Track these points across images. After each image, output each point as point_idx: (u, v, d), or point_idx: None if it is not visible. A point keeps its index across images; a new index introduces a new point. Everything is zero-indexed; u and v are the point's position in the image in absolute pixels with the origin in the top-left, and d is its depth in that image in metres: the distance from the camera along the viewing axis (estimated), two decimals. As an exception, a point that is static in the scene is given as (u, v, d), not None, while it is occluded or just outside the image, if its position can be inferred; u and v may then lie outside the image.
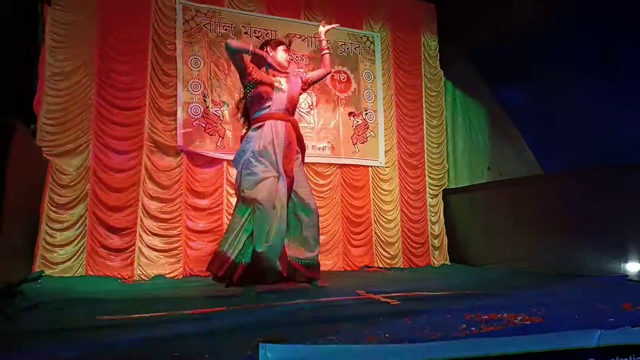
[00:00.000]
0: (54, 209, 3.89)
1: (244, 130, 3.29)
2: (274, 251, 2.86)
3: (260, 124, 3.05)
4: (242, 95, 3.27)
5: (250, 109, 3.14)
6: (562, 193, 4.10)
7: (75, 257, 3.88)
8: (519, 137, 5.71)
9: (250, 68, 3.04)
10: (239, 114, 3.34)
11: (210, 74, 4.53)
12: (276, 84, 3.11)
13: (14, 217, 2.55)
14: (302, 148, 3.25)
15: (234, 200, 4.48)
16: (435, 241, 5.34)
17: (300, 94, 3.30)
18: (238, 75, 3.17)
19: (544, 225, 4.22)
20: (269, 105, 3.06)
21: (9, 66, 2.35)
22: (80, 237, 3.93)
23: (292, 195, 3.09)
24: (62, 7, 4.07)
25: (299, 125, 3.32)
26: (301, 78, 3.31)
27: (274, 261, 2.87)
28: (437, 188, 5.49)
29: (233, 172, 4.48)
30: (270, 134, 3.01)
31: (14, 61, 2.40)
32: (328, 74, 3.55)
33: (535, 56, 4.94)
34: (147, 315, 2.08)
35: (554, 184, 4.26)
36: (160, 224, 4.18)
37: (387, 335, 1.60)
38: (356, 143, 5.10)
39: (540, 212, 4.28)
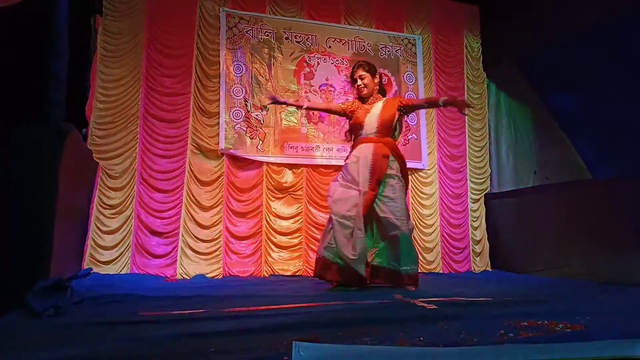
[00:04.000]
0: (102, 210, 4.06)
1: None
2: (359, 260, 3.11)
3: (353, 147, 3.48)
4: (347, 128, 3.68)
5: (351, 135, 3.57)
6: (614, 200, 3.91)
7: (121, 256, 4.04)
8: (567, 141, 5.48)
9: (347, 109, 3.54)
10: (347, 139, 3.70)
11: (251, 79, 4.63)
12: (368, 113, 3.42)
13: (66, 217, 2.68)
14: (403, 168, 3.42)
15: (273, 203, 4.57)
16: (477, 247, 5.22)
17: (395, 115, 3.42)
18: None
19: (593, 232, 4.04)
20: (361, 133, 3.42)
21: (67, 76, 2.49)
22: (125, 238, 4.08)
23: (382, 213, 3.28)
24: (113, 17, 4.27)
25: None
26: (400, 101, 3.51)
27: (361, 268, 3.13)
28: (479, 192, 5.37)
29: (273, 175, 4.56)
30: (357, 155, 3.34)
31: (70, 70, 2.54)
32: (429, 104, 4.09)
33: (588, 56, 4.68)
34: (187, 312, 2.15)
35: (605, 190, 4.04)
36: (201, 227, 4.29)
37: (421, 338, 1.57)
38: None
39: (590, 218, 4.09)
